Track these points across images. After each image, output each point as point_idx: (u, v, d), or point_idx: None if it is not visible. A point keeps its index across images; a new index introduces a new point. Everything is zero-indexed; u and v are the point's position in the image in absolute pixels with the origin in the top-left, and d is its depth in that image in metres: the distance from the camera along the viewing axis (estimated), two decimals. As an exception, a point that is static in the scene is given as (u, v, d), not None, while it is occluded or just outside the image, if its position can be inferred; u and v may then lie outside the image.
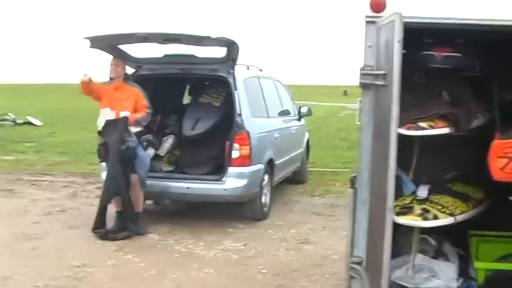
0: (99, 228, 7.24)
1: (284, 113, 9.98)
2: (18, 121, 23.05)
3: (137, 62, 8.34)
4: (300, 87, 55.15)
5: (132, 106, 7.39)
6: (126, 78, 7.68)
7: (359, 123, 3.98)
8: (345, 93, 62.42)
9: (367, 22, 3.78)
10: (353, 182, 4.01)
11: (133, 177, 7.29)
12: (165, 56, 8.28)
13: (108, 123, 7.29)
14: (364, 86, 3.82)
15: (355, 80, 3.84)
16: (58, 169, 12.39)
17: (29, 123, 22.94)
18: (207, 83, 9.08)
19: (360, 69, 3.79)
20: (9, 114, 23.75)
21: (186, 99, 9.86)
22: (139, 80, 7.93)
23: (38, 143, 17.05)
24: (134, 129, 7.34)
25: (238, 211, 8.21)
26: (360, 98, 3.98)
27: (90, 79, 7.28)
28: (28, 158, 13.88)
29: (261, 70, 9.82)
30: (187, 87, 9.64)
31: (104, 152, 7.44)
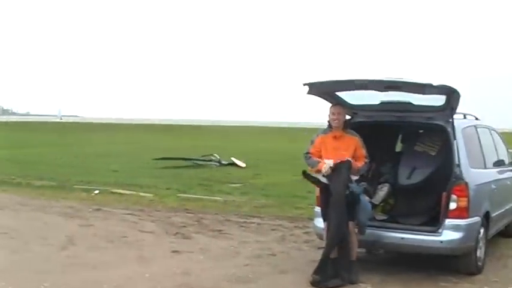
0: (318, 274, 7.58)
1: (499, 163, 9.94)
2: (223, 162, 24.79)
3: (353, 109, 8.75)
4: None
5: (351, 155, 7.71)
6: (345, 126, 8.02)
7: None
8: None
9: None
10: None
11: (351, 224, 7.65)
12: (382, 103, 8.57)
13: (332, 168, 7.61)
14: None
15: None
16: (265, 212, 13.22)
17: (233, 164, 24.58)
18: (420, 131, 9.35)
19: None
20: (214, 155, 25.69)
21: (398, 147, 10.16)
22: (354, 127, 8.28)
23: (243, 184, 18.22)
24: (353, 178, 7.72)
25: (452, 264, 8.32)
26: None
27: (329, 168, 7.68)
28: (235, 199, 14.95)
29: (477, 119, 9.90)
30: (400, 134, 9.93)
31: (322, 197, 7.88)
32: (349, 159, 7.64)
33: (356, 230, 7.78)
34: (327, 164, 7.61)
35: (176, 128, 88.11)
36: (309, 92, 8.11)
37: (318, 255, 7.99)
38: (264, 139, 54.23)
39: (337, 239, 7.63)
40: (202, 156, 25.88)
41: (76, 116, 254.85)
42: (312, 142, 8.09)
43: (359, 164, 7.76)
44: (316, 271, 7.62)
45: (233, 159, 25.17)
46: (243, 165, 24.51)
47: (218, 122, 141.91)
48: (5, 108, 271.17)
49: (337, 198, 7.55)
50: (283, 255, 9.33)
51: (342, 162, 7.61)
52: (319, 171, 7.77)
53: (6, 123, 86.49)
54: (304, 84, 7.94)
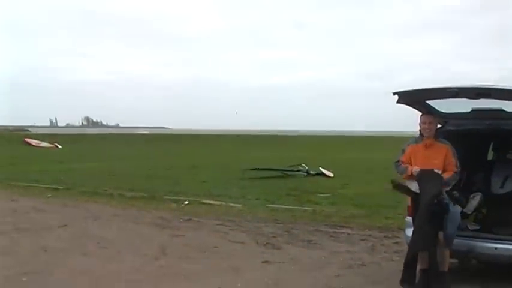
0: (406, 281, 7.68)
1: None
2: (311, 172, 24.90)
3: (444, 118, 8.69)
4: None
5: (442, 164, 7.68)
6: (436, 134, 7.98)
7: None
8: None
9: None
10: None
11: (441, 235, 7.59)
12: (473, 110, 8.45)
13: (424, 175, 7.63)
14: None
15: None
16: (354, 222, 13.18)
17: (321, 174, 24.66)
18: (512, 139, 9.20)
19: None
20: (302, 165, 25.85)
21: (489, 155, 10.01)
22: (445, 135, 8.22)
23: (332, 194, 18.23)
24: (444, 189, 7.65)
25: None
26: None
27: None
28: (324, 209, 14.99)
29: None
30: (492, 142, 9.80)
31: (413, 206, 7.85)
32: (439, 173, 7.59)
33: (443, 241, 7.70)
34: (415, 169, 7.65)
35: (262, 139, 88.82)
36: (399, 101, 8.10)
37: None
38: (352, 149, 54.02)
39: (417, 246, 7.60)
40: (290, 166, 26.08)
41: (164, 128, 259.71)
42: (403, 151, 8.09)
43: (448, 174, 7.67)
44: (403, 277, 7.70)
45: (321, 169, 25.25)
46: (331, 175, 24.56)
47: (305, 132, 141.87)
48: (95, 120, 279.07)
49: (423, 208, 7.52)
50: (373, 265, 9.34)
51: (433, 172, 7.57)
52: (410, 177, 7.79)
53: (97, 136, 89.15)
54: (394, 93, 7.94)
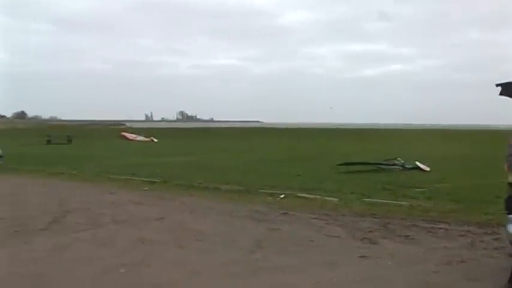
0: None
1: None
2: (407, 166, 24.54)
3: None
4: None
5: None
6: None
7: None
8: None
9: None
10: None
11: None
12: None
13: None
14: None
15: None
16: (452, 217, 12.86)
17: (417, 168, 24.26)
18: None
19: None
20: (398, 159, 25.51)
21: None
22: None
23: (428, 189, 17.87)
24: None
25: None
26: None
27: None
28: (421, 204, 14.73)
29: None
30: None
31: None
32: None
33: None
34: None
35: (355, 132, 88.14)
36: (502, 93, 7.90)
37: (510, 262, 7.80)
38: (448, 143, 52.84)
39: None
40: (386, 160, 25.80)
41: (257, 122, 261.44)
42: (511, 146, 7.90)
43: None
44: (510, 280, 7.45)
45: (417, 163, 24.85)
46: (428, 169, 24.09)
47: (400, 126, 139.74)
48: (189, 114, 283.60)
49: None
50: (473, 262, 9.10)
51: None
52: None
53: (190, 130, 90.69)
54: (497, 85, 7.75)
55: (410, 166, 24.58)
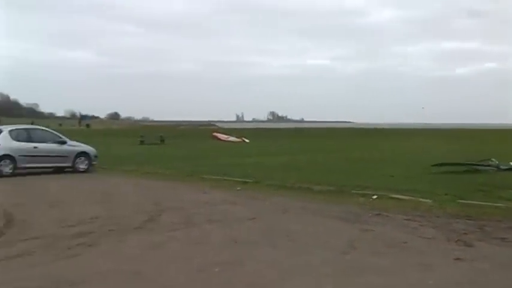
0: None
1: None
2: (502, 167, 23.79)
3: None
4: None
5: None
6: None
7: None
8: None
9: None
10: None
11: None
12: None
13: None
14: None
15: None
16: None
17: (513, 169, 23.51)
18: None
19: None
20: (492, 159, 24.79)
21: None
22: None
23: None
24: None
25: None
26: None
27: None
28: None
29: None
30: None
31: None
32: None
33: None
34: None
35: (448, 132, 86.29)
36: None
37: None
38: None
39: None
40: (480, 161, 25.12)
41: (348, 122, 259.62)
42: None
43: None
44: None
45: (512, 163, 24.10)
46: (525, 170, 23.32)
47: (495, 126, 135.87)
48: (280, 115, 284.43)
49: None
50: None
51: None
52: None
53: (280, 130, 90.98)
54: None
55: (505, 167, 23.82)
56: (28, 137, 25.18)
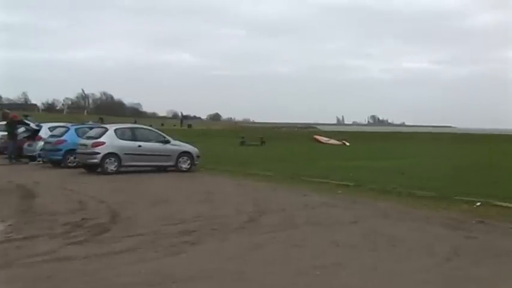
0: None
1: None
2: None
3: None
4: None
5: None
6: None
7: None
8: None
9: None
10: None
11: None
12: None
13: None
14: None
15: None
16: None
17: None
18: None
19: None
20: None
21: None
22: None
23: None
24: None
25: None
26: None
27: None
28: None
29: None
30: None
31: None
32: None
33: None
34: None
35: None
36: None
37: None
38: None
39: None
40: None
41: (449, 127, 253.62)
42: None
43: None
44: None
45: None
46: None
47: None
48: (381, 118, 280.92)
49: None
50: None
51: None
52: None
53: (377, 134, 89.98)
54: None
55: None
56: (133, 135, 26.03)
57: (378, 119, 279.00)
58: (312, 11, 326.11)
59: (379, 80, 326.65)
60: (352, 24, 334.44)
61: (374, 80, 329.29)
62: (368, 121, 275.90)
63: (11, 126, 31.71)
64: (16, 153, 31.22)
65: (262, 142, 55.19)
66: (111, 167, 24.57)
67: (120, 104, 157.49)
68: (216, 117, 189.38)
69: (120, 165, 24.80)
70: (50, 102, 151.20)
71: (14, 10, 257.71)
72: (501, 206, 15.28)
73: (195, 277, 8.67)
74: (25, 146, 31.56)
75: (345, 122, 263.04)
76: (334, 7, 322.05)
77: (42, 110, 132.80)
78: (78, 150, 26.04)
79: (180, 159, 26.08)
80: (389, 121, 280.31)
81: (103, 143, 24.73)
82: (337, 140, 63.59)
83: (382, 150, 43.71)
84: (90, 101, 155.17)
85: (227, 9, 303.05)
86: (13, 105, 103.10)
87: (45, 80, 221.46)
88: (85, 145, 25.40)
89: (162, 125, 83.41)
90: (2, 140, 34.07)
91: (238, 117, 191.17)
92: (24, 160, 31.25)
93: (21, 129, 32.20)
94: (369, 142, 63.25)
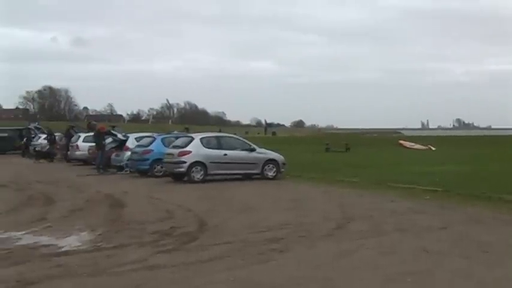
0: None
1: None
2: None
3: None
4: None
5: None
6: None
7: None
8: None
9: None
10: None
11: None
12: None
13: None
14: None
15: None
16: None
17: None
18: None
19: None
20: None
21: None
22: None
23: None
24: None
25: None
26: None
27: None
28: None
29: None
30: None
31: None
32: None
33: None
34: None
35: None
36: None
37: None
38: None
39: None
40: None
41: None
42: None
43: None
44: None
45: None
46: None
47: None
48: (466, 122, 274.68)
49: None
50: None
51: None
52: None
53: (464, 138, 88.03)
54: None
55: None
56: (218, 144, 26.30)
57: (463, 122, 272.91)
58: (393, 16, 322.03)
59: (462, 83, 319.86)
60: (433, 28, 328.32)
61: (457, 82, 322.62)
62: (453, 125, 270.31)
63: (99, 137, 32.61)
64: (104, 163, 32.04)
65: (347, 148, 54.76)
66: (198, 175, 24.86)
67: (204, 113, 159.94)
68: (299, 124, 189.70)
69: (206, 173, 25.06)
70: (135, 112, 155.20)
71: (100, 23, 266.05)
72: None
73: (284, 285, 8.68)
74: (113, 156, 32.38)
75: (430, 127, 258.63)
76: (416, 11, 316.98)
77: (128, 120, 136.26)
78: (165, 160, 26.50)
79: (266, 167, 26.13)
80: (474, 124, 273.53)
81: (189, 152, 25.05)
82: (423, 145, 62.47)
83: (468, 155, 42.65)
84: (175, 110, 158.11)
85: (310, 17, 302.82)
86: (99, 117, 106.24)
87: (130, 91, 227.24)
88: (171, 154, 25.80)
89: (247, 133, 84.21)
90: (90, 151, 35.15)
91: (322, 123, 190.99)
92: (112, 170, 31.99)
93: (109, 139, 33.05)
94: (454, 146, 61.84)
